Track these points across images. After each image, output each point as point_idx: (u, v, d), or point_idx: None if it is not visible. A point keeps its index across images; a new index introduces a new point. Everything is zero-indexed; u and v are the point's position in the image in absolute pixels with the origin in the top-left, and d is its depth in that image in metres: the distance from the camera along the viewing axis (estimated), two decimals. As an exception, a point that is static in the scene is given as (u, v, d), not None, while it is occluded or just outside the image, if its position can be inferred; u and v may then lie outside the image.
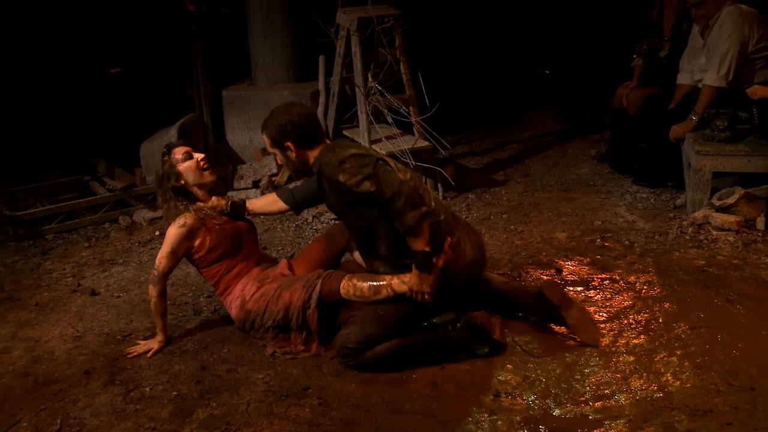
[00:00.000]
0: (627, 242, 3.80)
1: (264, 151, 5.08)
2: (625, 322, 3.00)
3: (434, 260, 2.57)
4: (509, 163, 5.42)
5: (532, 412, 2.45)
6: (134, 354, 2.93)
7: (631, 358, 2.73)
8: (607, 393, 2.53)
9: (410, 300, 2.63)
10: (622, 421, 2.37)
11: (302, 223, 4.36)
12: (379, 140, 4.53)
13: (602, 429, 2.34)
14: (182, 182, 2.98)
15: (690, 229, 3.87)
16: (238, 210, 3.07)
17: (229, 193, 4.73)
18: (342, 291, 2.76)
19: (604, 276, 3.43)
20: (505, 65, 7.97)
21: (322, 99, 5.02)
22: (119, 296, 3.54)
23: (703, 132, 4.13)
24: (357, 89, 4.55)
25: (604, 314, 3.06)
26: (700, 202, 3.99)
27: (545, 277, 3.45)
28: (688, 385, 2.54)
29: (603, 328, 2.95)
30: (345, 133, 4.91)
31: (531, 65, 8.19)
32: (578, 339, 2.86)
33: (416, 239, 2.52)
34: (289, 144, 2.70)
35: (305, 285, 2.83)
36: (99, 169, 5.11)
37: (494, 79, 7.70)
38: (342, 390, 2.63)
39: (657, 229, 3.96)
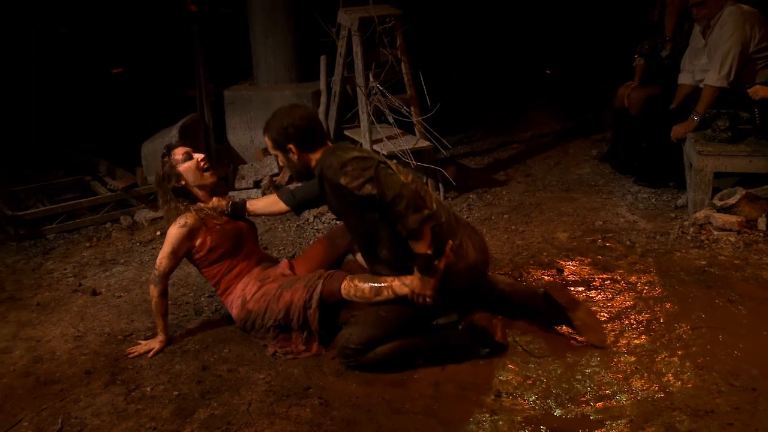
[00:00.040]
0: (628, 242, 3.80)
1: (265, 151, 5.09)
2: (627, 322, 2.99)
3: (436, 263, 2.57)
4: (510, 163, 5.42)
5: (533, 413, 2.45)
6: (135, 354, 2.94)
7: (633, 359, 2.72)
8: (609, 393, 2.53)
9: (411, 302, 2.63)
10: (623, 421, 2.37)
11: (303, 223, 4.36)
12: (380, 140, 4.53)
13: (603, 429, 2.34)
14: (182, 183, 2.98)
15: (691, 229, 3.86)
16: (239, 210, 3.07)
17: (231, 193, 4.74)
18: (343, 291, 2.76)
19: (605, 276, 3.43)
20: (507, 65, 7.96)
21: (323, 99, 5.02)
22: (120, 296, 3.54)
23: (704, 132, 4.13)
24: (358, 89, 4.55)
25: (606, 314, 3.06)
26: (702, 202, 3.99)
27: (546, 278, 3.44)
28: (690, 385, 2.54)
29: (604, 329, 2.95)
30: (346, 133, 4.91)
31: (532, 65, 8.18)
32: (585, 340, 2.86)
33: (418, 242, 2.51)
34: (291, 146, 2.70)
35: (306, 285, 2.83)
36: (100, 169, 5.11)
37: (495, 79, 7.70)
38: (343, 390, 2.62)
39: (658, 229, 3.96)
